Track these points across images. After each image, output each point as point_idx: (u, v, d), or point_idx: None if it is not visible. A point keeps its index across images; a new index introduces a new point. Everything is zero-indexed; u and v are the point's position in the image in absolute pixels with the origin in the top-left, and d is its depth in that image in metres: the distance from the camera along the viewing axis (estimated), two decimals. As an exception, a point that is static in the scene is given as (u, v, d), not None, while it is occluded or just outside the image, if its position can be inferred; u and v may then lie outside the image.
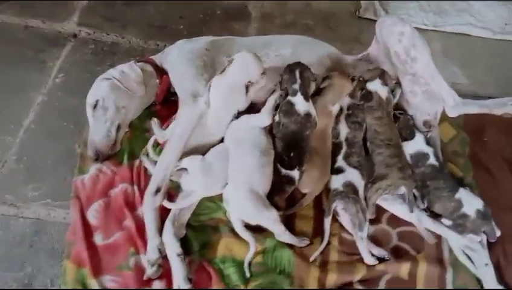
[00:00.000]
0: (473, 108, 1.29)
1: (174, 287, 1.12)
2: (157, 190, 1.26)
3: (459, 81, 1.77)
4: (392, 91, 1.44)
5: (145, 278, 1.17)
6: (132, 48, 1.80)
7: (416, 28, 1.89)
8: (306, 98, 1.35)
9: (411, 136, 1.35)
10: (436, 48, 1.89)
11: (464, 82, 1.77)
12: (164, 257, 1.20)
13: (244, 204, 1.20)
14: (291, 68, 1.37)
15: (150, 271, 1.16)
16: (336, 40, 1.83)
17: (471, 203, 1.24)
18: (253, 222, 1.21)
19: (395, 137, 1.35)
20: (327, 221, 1.26)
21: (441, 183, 1.28)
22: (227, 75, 1.32)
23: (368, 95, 1.41)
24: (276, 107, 1.39)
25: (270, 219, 1.20)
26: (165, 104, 1.55)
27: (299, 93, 1.34)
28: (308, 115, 1.35)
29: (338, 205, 1.27)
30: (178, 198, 1.28)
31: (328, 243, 1.26)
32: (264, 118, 1.33)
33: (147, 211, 1.24)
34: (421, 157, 1.32)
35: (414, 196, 1.33)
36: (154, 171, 1.31)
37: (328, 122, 1.42)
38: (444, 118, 1.48)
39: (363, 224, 1.24)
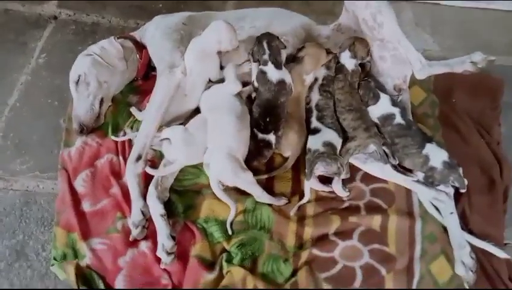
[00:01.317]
0: (438, 68, 1.36)
1: (159, 245, 1.19)
2: (138, 157, 1.32)
3: (430, 48, 1.84)
4: (363, 64, 1.48)
5: (131, 239, 1.23)
6: (112, 27, 1.84)
7: None
8: (277, 66, 1.41)
9: (375, 100, 1.40)
10: (408, 17, 1.95)
11: (435, 48, 1.84)
12: (149, 219, 1.26)
13: (222, 166, 1.26)
14: (259, 39, 1.43)
15: (134, 232, 1.23)
16: (311, 13, 1.88)
17: (437, 156, 1.31)
18: (231, 184, 1.28)
19: (355, 102, 1.42)
20: (308, 184, 1.33)
21: (409, 140, 1.35)
22: (201, 38, 1.39)
23: (341, 68, 1.47)
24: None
25: (247, 181, 1.27)
26: (147, 79, 1.59)
27: (269, 63, 1.40)
28: (281, 82, 1.41)
29: (319, 168, 1.32)
30: (160, 165, 1.34)
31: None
32: (231, 85, 1.38)
33: (130, 177, 1.30)
34: (387, 117, 1.38)
35: (385, 152, 1.39)
36: (135, 140, 1.37)
37: (302, 90, 1.48)
38: (415, 82, 1.55)
39: (341, 173, 1.32)
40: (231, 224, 1.27)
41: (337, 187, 1.35)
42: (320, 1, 2.01)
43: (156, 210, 1.23)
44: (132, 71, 1.56)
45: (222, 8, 1.95)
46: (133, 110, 1.50)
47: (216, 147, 1.29)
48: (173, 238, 1.20)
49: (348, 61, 1.46)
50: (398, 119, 1.37)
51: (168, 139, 1.34)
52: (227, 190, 1.30)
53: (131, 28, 1.85)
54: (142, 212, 1.25)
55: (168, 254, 1.16)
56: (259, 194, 1.28)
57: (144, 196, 1.29)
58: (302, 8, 1.97)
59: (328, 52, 1.49)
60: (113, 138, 1.42)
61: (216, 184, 1.26)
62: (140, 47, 1.56)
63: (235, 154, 1.27)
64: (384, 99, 1.39)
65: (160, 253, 1.17)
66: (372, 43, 1.45)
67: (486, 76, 1.74)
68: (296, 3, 2.02)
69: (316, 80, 1.48)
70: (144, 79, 1.59)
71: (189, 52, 1.40)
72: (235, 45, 1.42)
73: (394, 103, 1.39)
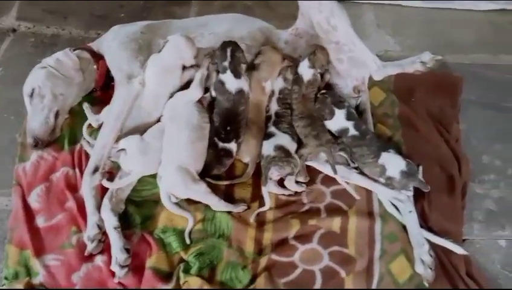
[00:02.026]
0: (391, 69, 1.36)
1: (112, 259, 1.17)
2: (95, 169, 1.30)
3: (391, 49, 1.85)
4: (322, 74, 1.47)
5: (86, 253, 1.21)
6: (73, 39, 1.82)
7: (351, 2, 2.03)
8: (236, 75, 1.40)
9: (330, 115, 1.40)
10: (369, 18, 1.97)
11: (396, 49, 1.86)
12: (105, 233, 1.24)
13: (173, 180, 1.25)
14: (224, 45, 1.41)
15: (90, 246, 1.21)
16: (275, 18, 1.90)
17: (394, 165, 1.31)
18: (183, 196, 1.27)
19: (306, 110, 1.41)
20: (265, 189, 1.32)
21: (365, 150, 1.35)
22: (161, 56, 1.37)
23: (298, 79, 1.45)
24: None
25: (200, 192, 1.25)
26: (107, 90, 1.56)
27: (228, 71, 1.39)
28: (240, 92, 1.40)
29: (273, 172, 1.32)
30: (116, 177, 1.32)
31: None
32: (193, 92, 1.37)
33: (86, 189, 1.28)
34: (342, 131, 1.39)
35: (346, 158, 1.39)
36: (92, 152, 1.35)
37: (262, 97, 1.47)
38: (374, 82, 1.56)
39: (294, 174, 1.32)
40: (189, 233, 1.25)
41: (290, 184, 1.34)
42: (284, 6, 2.02)
43: (110, 223, 1.21)
44: (90, 82, 1.54)
45: (186, 15, 1.94)
46: (86, 109, 1.46)
47: (168, 160, 1.27)
48: (127, 251, 1.18)
49: (306, 71, 1.45)
50: (352, 131, 1.37)
51: (124, 149, 1.32)
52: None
53: (93, 38, 1.80)
54: (98, 226, 1.23)
55: (122, 267, 1.14)
56: (216, 203, 1.27)
57: (99, 208, 1.26)
58: (266, 14, 1.99)
59: (287, 59, 1.48)
60: (85, 136, 1.40)
61: (166, 198, 1.25)
62: (98, 57, 1.53)
63: (186, 167, 1.25)
64: (338, 114, 1.39)
65: (113, 267, 1.15)
66: (328, 46, 1.45)
67: (446, 75, 1.77)
68: (259, 8, 2.03)
69: (273, 92, 1.47)
70: (103, 90, 1.57)
71: (149, 70, 1.38)
72: (198, 57, 1.41)
73: (349, 117, 1.38)
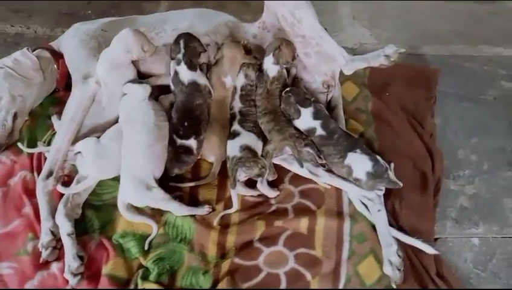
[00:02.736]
0: (358, 63, 1.30)
1: (66, 266, 1.12)
2: (49, 174, 1.26)
3: (366, 41, 1.80)
4: (288, 70, 1.43)
5: (41, 261, 1.16)
6: (38, 38, 1.77)
7: None
8: (190, 67, 1.35)
9: (297, 114, 1.34)
10: (345, 11, 1.92)
11: (372, 41, 1.81)
12: (60, 239, 1.18)
13: (127, 188, 1.20)
14: (177, 38, 1.37)
15: (44, 254, 1.16)
16: (248, 12, 1.85)
17: (360, 166, 1.26)
18: (139, 205, 1.22)
19: (270, 106, 1.36)
20: (234, 192, 1.26)
21: (331, 149, 1.30)
22: (108, 52, 1.32)
23: (262, 76, 1.40)
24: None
25: (157, 199, 1.20)
26: (69, 90, 1.47)
27: (182, 63, 1.35)
28: (193, 83, 1.35)
29: (241, 174, 1.27)
30: (73, 182, 1.27)
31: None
32: (139, 89, 1.31)
33: (40, 195, 1.24)
34: (310, 131, 1.33)
35: (315, 154, 1.34)
36: (47, 156, 1.30)
37: (224, 93, 1.42)
38: (348, 77, 1.49)
39: (264, 174, 1.27)
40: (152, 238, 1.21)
41: (263, 187, 1.29)
42: (258, 1, 1.97)
43: (64, 229, 1.17)
44: (51, 82, 1.48)
45: (155, 8, 1.89)
46: (53, 118, 1.41)
47: (123, 167, 1.22)
48: (81, 258, 1.13)
49: (271, 67, 1.40)
50: (319, 131, 1.31)
51: (80, 152, 1.27)
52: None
53: (58, 36, 1.75)
54: (52, 232, 1.18)
55: (74, 275, 1.09)
56: (176, 208, 1.21)
57: (53, 214, 1.20)
58: (239, 8, 1.94)
59: (252, 54, 1.43)
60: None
61: (123, 207, 1.20)
62: (58, 57, 1.48)
63: (140, 175, 1.20)
64: (305, 113, 1.33)
65: (66, 274, 1.10)
66: (295, 40, 1.39)
67: (422, 67, 1.72)
68: (232, 2, 1.97)
69: (235, 89, 1.42)
70: (66, 90, 1.51)
71: (99, 66, 1.34)
72: (150, 50, 1.36)
73: (316, 115, 1.32)
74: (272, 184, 1.34)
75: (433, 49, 1.79)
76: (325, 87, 1.45)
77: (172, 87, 1.37)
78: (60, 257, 1.18)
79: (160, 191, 1.20)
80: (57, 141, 1.30)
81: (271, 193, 1.29)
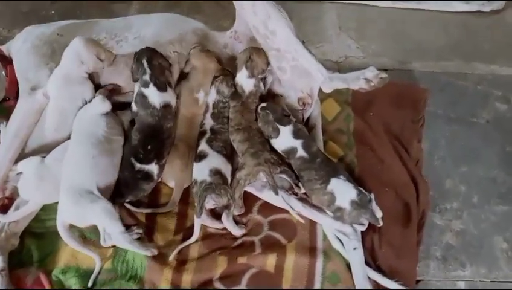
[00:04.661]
0: (337, 83, 1.16)
1: (-8, 308, 0.98)
2: (-14, 196, 1.12)
3: (352, 54, 1.67)
4: (263, 79, 1.29)
5: (-35, 298, 1.03)
6: (-8, 38, 1.62)
7: (312, 1, 1.84)
8: (161, 88, 1.21)
9: (275, 133, 1.20)
10: (331, 19, 1.78)
11: (358, 54, 1.67)
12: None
13: (65, 201, 1.05)
14: (138, 57, 1.22)
15: (-31, 290, 1.02)
16: (225, 18, 1.70)
17: (344, 194, 1.13)
18: (80, 223, 1.06)
19: (244, 121, 1.22)
20: (198, 221, 1.13)
21: (313, 174, 1.16)
22: (60, 65, 1.18)
23: (237, 93, 1.26)
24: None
25: (99, 214, 1.02)
26: None
27: (151, 85, 1.20)
28: (166, 106, 1.21)
29: (209, 201, 1.13)
30: (11, 208, 1.12)
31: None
32: (98, 105, 1.18)
33: (-29, 221, 1.09)
34: (290, 151, 1.20)
35: (292, 182, 1.21)
36: (-15, 175, 1.16)
37: (195, 110, 1.28)
38: (330, 94, 1.33)
39: (231, 206, 1.14)
40: (96, 276, 1.06)
41: (228, 224, 1.15)
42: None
43: (-7, 265, 1.02)
44: (-1, 90, 1.36)
45: (124, 14, 1.73)
46: (1, 127, 1.25)
47: (62, 179, 1.08)
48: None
49: (246, 82, 1.26)
50: (301, 152, 1.18)
51: (22, 173, 1.13)
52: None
53: (16, 38, 1.64)
54: (-18, 266, 1.04)
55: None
56: (119, 234, 1.04)
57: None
58: (216, 13, 1.79)
59: (221, 68, 1.29)
60: None
61: (63, 230, 1.05)
62: (7, 62, 1.32)
63: (82, 183, 1.05)
64: (284, 132, 1.20)
65: (-9, 319, 0.96)
66: (268, 54, 1.25)
67: (410, 85, 1.58)
68: (209, 7, 1.82)
69: (207, 106, 1.28)
70: (17, 99, 1.37)
71: (50, 84, 1.19)
72: (108, 58, 1.22)
73: (296, 135, 1.19)
74: (238, 215, 1.20)
75: (423, 65, 1.65)
76: (301, 105, 1.32)
77: (134, 108, 1.21)
78: (-12, 294, 1.05)
79: (108, 203, 1.04)
80: (-3, 159, 1.15)
81: (236, 231, 1.15)
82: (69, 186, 1.05)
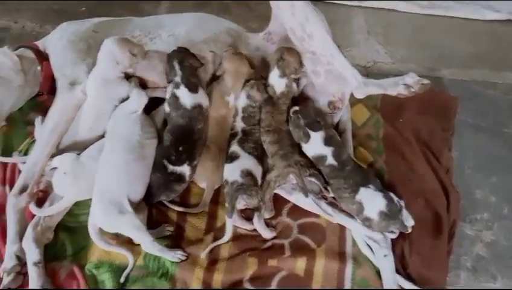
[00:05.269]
0: (373, 89, 1.16)
1: (29, 299, 1.00)
2: (23, 189, 1.13)
3: (381, 60, 1.67)
4: (296, 80, 1.29)
5: (0, 287, 1.03)
6: (25, 33, 1.64)
7: (339, 4, 1.83)
8: (192, 90, 1.21)
9: (306, 138, 1.20)
10: (359, 24, 1.78)
11: (386, 60, 1.67)
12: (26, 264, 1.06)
13: (97, 210, 1.07)
14: (169, 59, 1.23)
15: (5, 280, 1.03)
16: (254, 20, 1.71)
17: (372, 205, 1.12)
18: (110, 230, 1.08)
19: (274, 122, 1.22)
20: (230, 221, 1.14)
21: (342, 183, 1.16)
22: (97, 67, 1.20)
23: (270, 101, 1.25)
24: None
25: (128, 226, 1.05)
26: (54, 94, 1.33)
27: (182, 86, 1.21)
28: (197, 106, 1.22)
29: (241, 202, 1.14)
30: (46, 202, 1.14)
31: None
32: (133, 100, 1.19)
33: (9, 212, 1.11)
34: (320, 159, 1.20)
35: (321, 186, 1.21)
36: (23, 168, 1.17)
37: (227, 112, 1.28)
38: (359, 99, 1.33)
39: (261, 209, 1.14)
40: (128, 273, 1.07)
41: (259, 226, 1.16)
42: (264, 5, 1.80)
43: (30, 257, 1.04)
44: (34, 85, 1.33)
45: (154, 13, 1.74)
46: (37, 121, 1.28)
47: (95, 185, 1.09)
48: (46, 290, 1.00)
49: (278, 82, 1.26)
50: (330, 160, 1.17)
51: (56, 168, 1.14)
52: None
53: (48, 34, 1.65)
54: (17, 257, 1.05)
55: (37, 310, 0.97)
56: (147, 243, 1.06)
57: (21, 235, 1.08)
58: (244, 14, 1.80)
59: (253, 72, 1.28)
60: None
61: (94, 232, 1.07)
62: (43, 58, 1.34)
63: (113, 195, 1.07)
64: (315, 138, 1.19)
65: (27, 309, 0.98)
66: (303, 56, 1.25)
67: (440, 93, 1.57)
68: (237, 8, 1.84)
69: (236, 110, 1.28)
70: (50, 94, 1.37)
71: (89, 81, 1.21)
72: (140, 52, 1.23)
73: (327, 142, 1.19)
74: (269, 217, 1.21)
75: (451, 72, 1.65)
76: (331, 108, 1.32)
77: (167, 110, 1.23)
78: (24, 285, 1.05)
79: (135, 218, 1.06)
80: (34, 153, 1.17)
81: (267, 234, 1.15)
82: (101, 195, 1.08)
